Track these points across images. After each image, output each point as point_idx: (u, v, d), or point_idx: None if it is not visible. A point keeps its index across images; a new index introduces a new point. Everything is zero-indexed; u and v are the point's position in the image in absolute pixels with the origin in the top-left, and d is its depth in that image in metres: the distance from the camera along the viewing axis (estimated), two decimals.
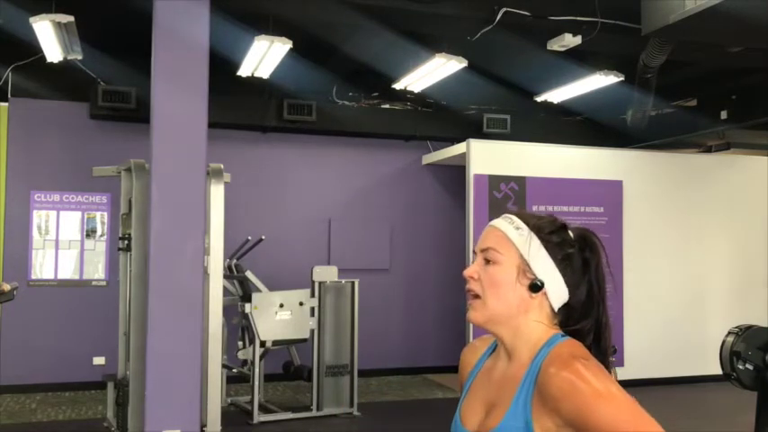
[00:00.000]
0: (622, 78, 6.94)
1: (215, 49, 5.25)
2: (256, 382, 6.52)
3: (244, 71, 6.76)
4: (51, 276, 7.84)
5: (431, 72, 6.84)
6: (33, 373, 7.62)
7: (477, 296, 1.40)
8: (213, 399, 5.72)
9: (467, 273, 1.41)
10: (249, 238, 7.13)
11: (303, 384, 7.47)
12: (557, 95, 7.96)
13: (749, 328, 3.59)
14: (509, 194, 7.89)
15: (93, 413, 6.85)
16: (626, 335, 8.14)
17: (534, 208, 7.80)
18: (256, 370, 6.49)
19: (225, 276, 6.50)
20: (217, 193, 5.85)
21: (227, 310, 6.76)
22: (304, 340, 6.79)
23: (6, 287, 4.71)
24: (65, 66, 6.80)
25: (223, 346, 6.35)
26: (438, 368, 8.79)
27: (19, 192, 7.77)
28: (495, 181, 7.86)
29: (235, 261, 7.15)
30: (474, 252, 1.45)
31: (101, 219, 8.02)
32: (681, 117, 8.92)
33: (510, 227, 1.40)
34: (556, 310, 1.39)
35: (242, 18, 5.94)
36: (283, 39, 5.88)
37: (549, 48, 5.96)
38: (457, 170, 8.59)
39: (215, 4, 4.96)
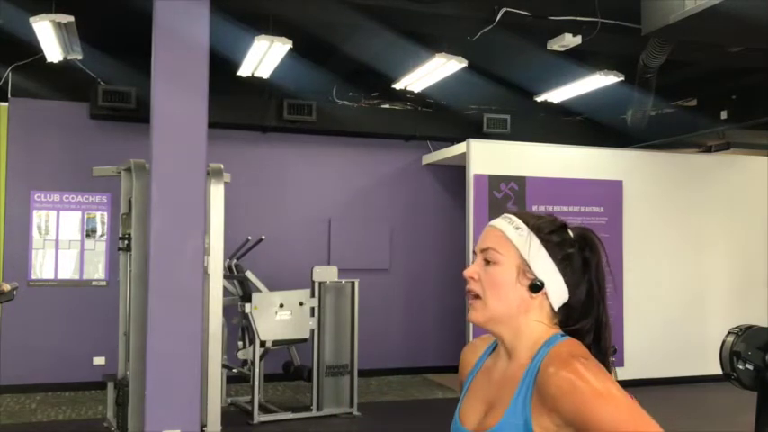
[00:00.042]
0: (622, 78, 6.94)
1: (215, 49, 5.25)
2: (256, 382, 6.52)
3: (244, 71, 6.76)
4: (51, 276, 7.84)
5: (431, 72, 6.84)
6: (33, 373, 7.62)
7: (477, 296, 1.40)
8: (213, 399, 5.72)
9: (467, 273, 1.41)
10: (249, 238, 7.13)
11: (303, 384, 7.47)
12: (557, 95, 7.96)
13: (749, 328, 3.58)
14: (509, 194, 7.89)
15: (93, 413, 6.85)
16: (626, 335, 8.14)
17: (534, 208, 7.80)
18: (256, 370, 6.49)
19: (225, 276, 6.50)
20: (217, 193, 5.85)
21: (227, 310, 6.76)
22: (304, 340, 6.79)
23: (6, 287, 4.71)
24: (65, 66, 6.80)
25: (223, 346, 6.35)
26: (438, 368, 8.79)
27: (19, 192, 7.78)
28: (495, 181, 7.86)
29: (235, 261, 7.16)
30: (474, 252, 1.45)
31: (101, 219, 8.02)
32: (681, 117, 8.92)
33: (510, 227, 1.40)
34: (556, 309, 1.39)
35: (242, 18, 5.94)
36: (283, 39, 5.88)
37: (549, 48, 5.96)
38: (457, 170, 8.59)
39: (215, 4, 4.96)
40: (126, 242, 5.92)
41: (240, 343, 7.07)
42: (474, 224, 7.65)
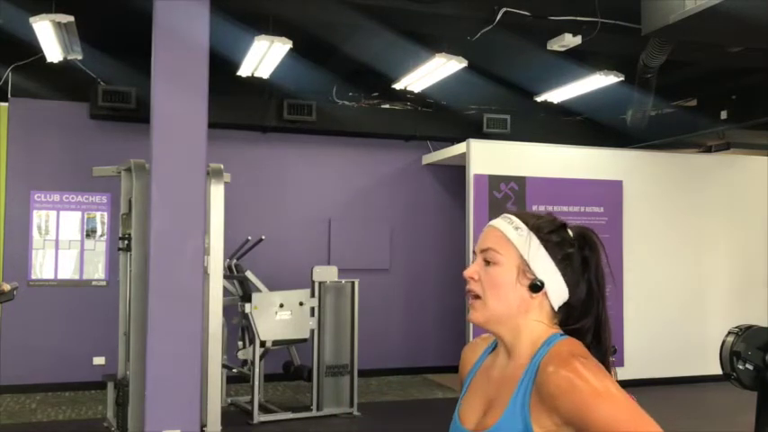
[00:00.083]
0: (622, 78, 6.94)
1: (215, 49, 5.25)
2: (256, 382, 6.52)
3: (244, 71, 6.76)
4: (51, 276, 7.84)
5: (431, 72, 6.84)
6: (33, 373, 7.62)
7: (477, 296, 1.40)
8: (213, 399, 5.72)
9: (467, 273, 1.41)
10: (249, 238, 7.13)
11: (303, 384, 7.47)
12: (557, 95, 7.96)
13: (749, 328, 3.58)
14: (509, 194, 7.89)
15: (93, 413, 6.85)
16: (626, 335, 8.14)
17: (534, 208, 7.80)
18: (256, 370, 6.49)
19: (225, 276, 6.50)
20: (217, 193, 5.85)
21: (227, 310, 6.76)
22: (304, 340, 6.79)
23: (6, 287, 4.71)
24: (65, 66, 6.80)
25: (223, 346, 6.35)
26: (438, 368, 8.79)
27: (19, 192, 7.78)
28: (495, 181, 7.86)
29: (235, 261, 7.15)
30: (474, 252, 1.45)
31: (101, 219, 8.02)
32: (681, 117, 8.92)
33: (509, 227, 1.40)
34: (556, 309, 1.39)
35: (242, 18, 5.94)
36: (283, 39, 5.88)
37: (549, 48, 5.96)
38: (457, 170, 8.59)
39: (215, 4, 4.96)
40: (126, 242, 5.92)
41: (240, 343, 7.07)
42: (474, 224, 7.65)
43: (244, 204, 8.23)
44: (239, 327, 7.12)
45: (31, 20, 5.45)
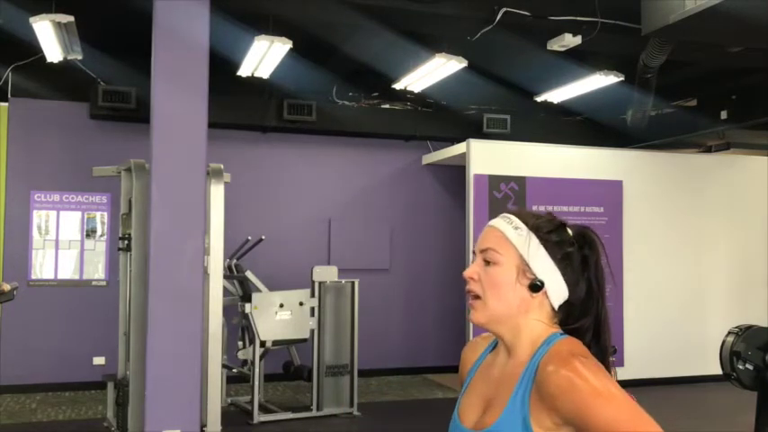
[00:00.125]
0: (622, 78, 6.94)
1: (215, 49, 5.25)
2: (256, 382, 6.52)
3: (244, 71, 6.76)
4: (51, 276, 7.84)
5: (431, 72, 6.84)
6: (33, 373, 7.62)
7: (477, 297, 1.40)
8: (213, 399, 5.72)
9: (467, 274, 1.41)
10: (249, 238, 7.13)
11: (303, 384, 7.47)
12: (557, 95, 7.96)
13: (749, 328, 3.58)
14: (509, 194, 7.89)
15: (93, 413, 6.85)
16: (626, 335, 8.14)
17: (534, 208, 7.77)
18: (256, 370, 6.49)
19: (225, 276, 6.50)
20: (217, 193, 5.85)
21: (227, 310, 6.76)
22: (304, 340, 6.79)
23: (6, 287, 4.71)
24: (65, 66, 6.80)
25: (223, 346, 6.35)
26: (438, 368, 8.79)
27: (19, 192, 7.77)
28: (495, 181, 7.86)
29: (235, 261, 7.15)
30: (473, 252, 1.45)
31: (101, 219, 8.02)
32: (681, 117, 8.92)
33: (509, 227, 1.40)
34: (556, 308, 1.39)
35: (242, 18, 5.94)
36: (283, 39, 5.88)
37: (549, 48, 5.96)
38: (457, 170, 8.59)
39: (215, 4, 4.96)
40: (126, 242, 5.92)
41: (240, 343, 7.07)
42: (474, 224, 7.65)
43: (244, 204, 8.23)
44: (239, 327, 7.12)
45: (31, 20, 5.45)
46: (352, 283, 6.86)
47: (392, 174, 9.14)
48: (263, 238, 7.20)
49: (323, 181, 8.83)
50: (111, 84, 7.61)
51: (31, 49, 6.43)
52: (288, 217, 8.64)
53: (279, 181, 8.68)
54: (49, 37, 5.79)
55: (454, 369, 1.66)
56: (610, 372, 1.33)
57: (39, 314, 7.69)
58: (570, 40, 5.72)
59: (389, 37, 6.29)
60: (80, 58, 6.44)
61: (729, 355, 3.53)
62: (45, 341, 7.68)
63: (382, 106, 8.87)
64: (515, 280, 1.37)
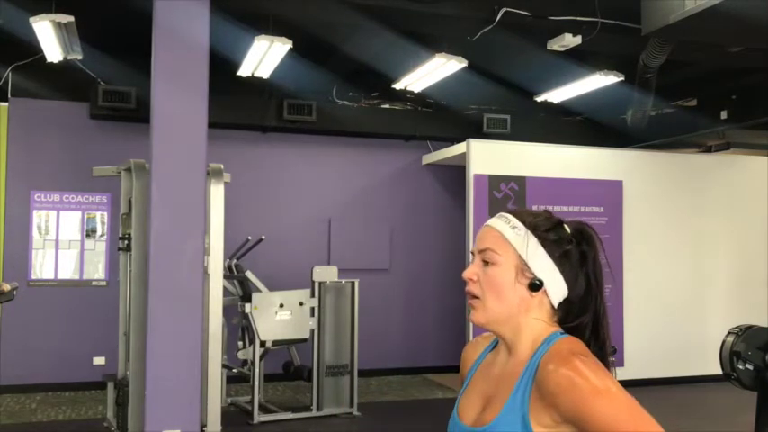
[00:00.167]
0: (622, 78, 6.94)
1: (215, 49, 5.25)
2: (256, 382, 6.52)
3: (244, 71, 6.76)
4: (51, 276, 7.84)
5: (431, 72, 6.83)
6: (33, 373, 7.62)
7: (477, 297, 1.40)
8: (213, 399, 5.72)
9: (466, 274, 1.41)
10: (249, 238, 7.14)
11: (303, 384, 7.47)
12: (557, 95, 7.96)
13: (749, 328, 3.58)
14: (509, 194, 7.89)
15: (93, 413, 6.85)
16: (626, 335, 8.14)
17: (534, 208, 7.70)
18: (256, 370, 6.49)
19: (225, 276, 6.50)
20: (217, 193, 5.85)
21: (227, 310, 6.76)
22: (304, 340, 6.79)
23: (6, 287, 4.70)
24: (65, 66, 6.80)
25: (223, 346, 6.35)
26: (438, 368, 8.79)
27: (19, 192, 7.78)
28: (495, 181, 7.86)
29: (235, 261, 7.15)
30: (472, 253, 1.44)
31: (101, 219, 8.02)
32: (681, 117, 8.92)
33: (506, 226, 1.40)
34: (555, 306, 1.39)
35: (242, 18, 5.94)
36: (283, 39, 5.88)
37: (549, 48, 5.96)
38: (457, 170, 8.59)
39: (215, 4, 4.96)
40: (126, 242, 5.92)
41: (240, 343, 7.07)
42: (474, 224, 7.65)
43: (244, 204, 8.23)
44: (239, 327, 7.12)
45: (31, 20, 5.45)
46: (352, 283, 6.86)
47: (392, 174, 9.14)
48: (263, 238, 7.20)
49: (323, 181, 8.83)
50: (111, 84, 7.61)
51: (31, 49, 6.43)
52: (288, 217, 8.64)
53: (279, 181, 8.68)
54: (49, 37, 5.79)
55: (454, 369, 1.66)
56: (610, 371, 1.33)
57: (39, 314, 7.69)
58: (570, 40, 5.72)
59: (389, 37, 6.29)
60: (80, 58, 6.44)
61: (729, 355, 3.53)
62: (45, 341, 7.68)
63: (382, 106, 8.87)
64: (514, 280, 1.37)
